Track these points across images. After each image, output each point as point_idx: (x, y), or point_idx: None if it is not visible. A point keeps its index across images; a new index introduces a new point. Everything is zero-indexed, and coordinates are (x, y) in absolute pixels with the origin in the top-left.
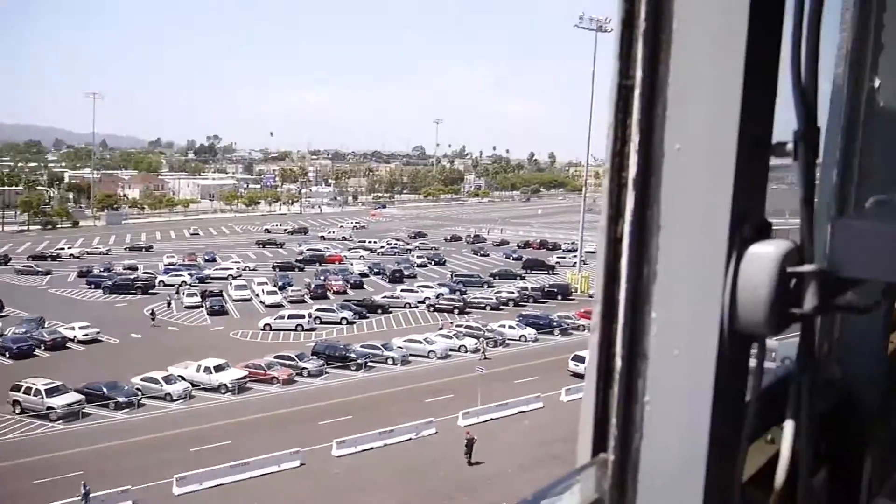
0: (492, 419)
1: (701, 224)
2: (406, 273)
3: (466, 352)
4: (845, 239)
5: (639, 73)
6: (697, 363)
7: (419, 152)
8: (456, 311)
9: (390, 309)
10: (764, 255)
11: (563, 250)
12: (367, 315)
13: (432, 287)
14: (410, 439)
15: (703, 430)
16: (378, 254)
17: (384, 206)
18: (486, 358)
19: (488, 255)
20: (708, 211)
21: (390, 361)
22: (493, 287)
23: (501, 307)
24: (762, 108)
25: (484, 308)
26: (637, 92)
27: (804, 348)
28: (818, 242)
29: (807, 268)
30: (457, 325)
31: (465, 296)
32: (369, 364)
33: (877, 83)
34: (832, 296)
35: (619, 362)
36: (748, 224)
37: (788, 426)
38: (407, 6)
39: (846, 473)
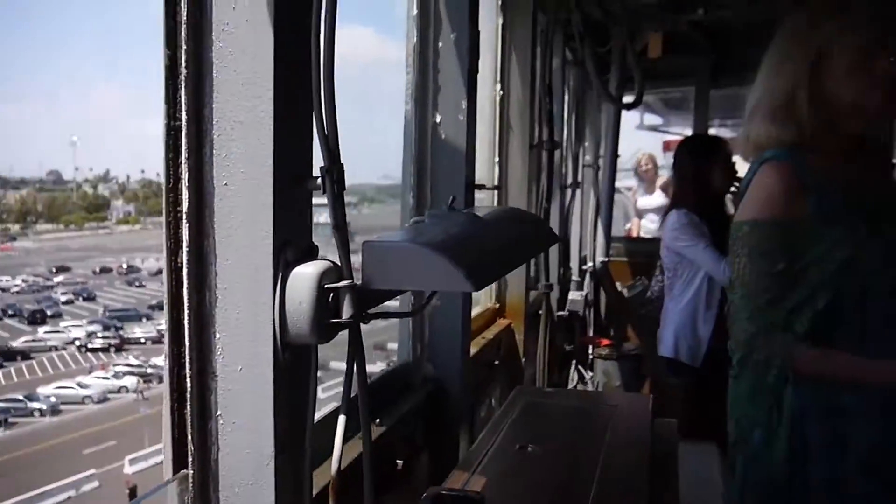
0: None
1: (249, 251)
2: (49, 313)
3: (128, 392)
4: (369, 256)
5: (184, 116)
6: (258, 375)
7: (55, 177)
8: (112, 349)
9: (32, 354)
10: (305, 275)
11: None
12: (4, 364)
13: (82, 325)
14: (70, 498)
15: (268, 436)
16: (12, 293)
17: (15, 239)
18: (144, 398)
19: (145, 285)
20: (254, 239)
21: (37, 413)
22: (153, 319)
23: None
24: (296, 148)
25: (144, 343)
26: (185, 132)
27: (351, 352)
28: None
29: (341, 284)
30: (114, 365)
31: (121, 332)
32: (10, 420)
33: (438, 118)
34: (367, 306)
35: (189, 383)
36: (291, 248)
37: (340, 422)
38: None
39: (445, 455)
